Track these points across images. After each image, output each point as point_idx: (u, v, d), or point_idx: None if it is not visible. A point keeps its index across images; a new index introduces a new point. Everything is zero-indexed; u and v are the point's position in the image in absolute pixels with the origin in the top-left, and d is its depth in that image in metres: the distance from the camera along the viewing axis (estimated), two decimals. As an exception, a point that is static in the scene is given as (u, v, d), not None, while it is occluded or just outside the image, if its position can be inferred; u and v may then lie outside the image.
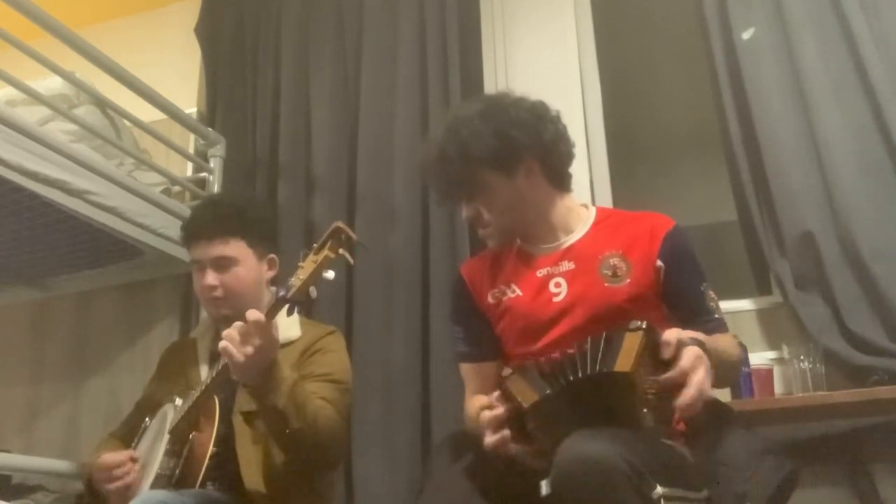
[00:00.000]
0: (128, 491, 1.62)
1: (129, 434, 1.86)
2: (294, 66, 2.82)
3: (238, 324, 1.47)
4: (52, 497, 2.37)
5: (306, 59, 2.82)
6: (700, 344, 1.23)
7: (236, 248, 1.81)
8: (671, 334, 1.23)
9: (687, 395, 1.16)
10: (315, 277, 1.39)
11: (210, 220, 1.83)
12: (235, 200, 1.97)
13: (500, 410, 1.25)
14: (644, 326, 1.21)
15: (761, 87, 2.30)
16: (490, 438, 1.25)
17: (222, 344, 1.47)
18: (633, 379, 1.17)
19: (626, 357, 1.18)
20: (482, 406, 1.31)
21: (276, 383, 1.50)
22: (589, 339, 1.25)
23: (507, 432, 1.24)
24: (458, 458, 1.43)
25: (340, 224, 1.40)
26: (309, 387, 1.62)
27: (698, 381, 1.17)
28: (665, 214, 1.57)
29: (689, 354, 1.20)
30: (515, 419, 1.24)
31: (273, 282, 1.90)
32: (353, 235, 1.40)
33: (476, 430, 1.45)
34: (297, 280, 1.41)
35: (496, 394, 1.29)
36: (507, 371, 1.29)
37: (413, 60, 2.66)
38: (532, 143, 1.51)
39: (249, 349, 1.45)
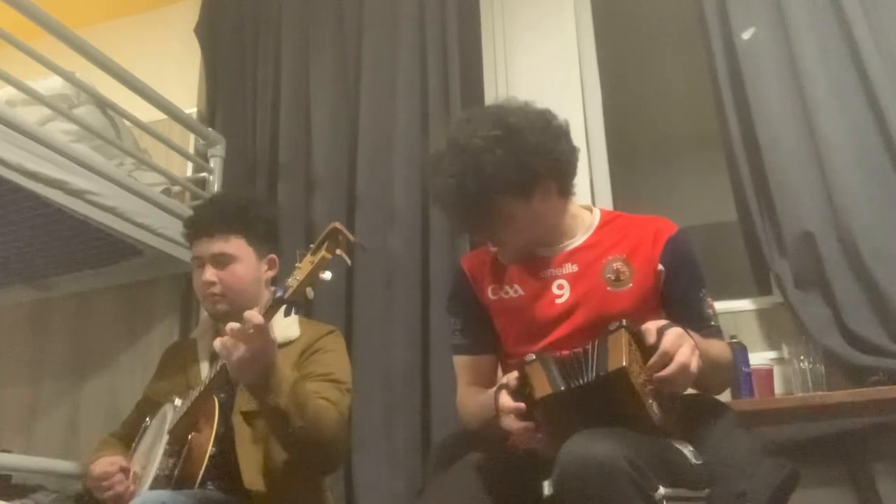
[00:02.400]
0: (120, 499, 1.63)
1: (129, 434, 1.87)
2: (294, 66, 2.82)
3: (232, 325, 1.46)
4: (52, 497, 2.37)
5: (306, 59, 2.82)
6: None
7: (236, 246, 1.81)
8: (650, 324, 1.27)
9: (668, 369, 1.21)
10: (312, 278, 1.39)
11: (212, 217, 1.84)
12: (238, 199, 1.97)
13: (522, 405, 1.26)
14: (624, 324, 1.26)
15: (761, 87, 2.30)
16: (510, 423, 1.27)
17: (217, 347, 1.46)
18: (629, 373, 1.19)
19: (616, 355, 1.21)
20: (500, 385, 1.31)
21: (276, 382, 1.50)
22: (582, 350, 1.28)
23: (530, 424, 1.26)
24: (458, 458, 1.42)
25: (338, 225, 1.40)
26: (309, 386, 1.62)
27: (680, 357, 1.21)
28: (665, 215, 1.58)
29: (671, 335, 1.24)
30: (526, 404, 1.26)
31: (273, 282, 1.90)
32: (351, 236, 1.40)
33: (473, 418, 1.45)
34: (293, 281, 1.40)
35: (514, 374, 1.30)
36: (529, 356, 1.30)
37: (413, 60, 2.66)
38: (551, 167, 1.48)
39: (246, 352, 1.44)
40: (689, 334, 1.26)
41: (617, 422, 1.19)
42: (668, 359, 1.21)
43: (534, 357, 1.29)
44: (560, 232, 1.56)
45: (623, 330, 1.24)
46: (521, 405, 1.26)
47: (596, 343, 1.26)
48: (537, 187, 1.48)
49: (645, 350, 1.25)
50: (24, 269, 2.66)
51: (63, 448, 2.72)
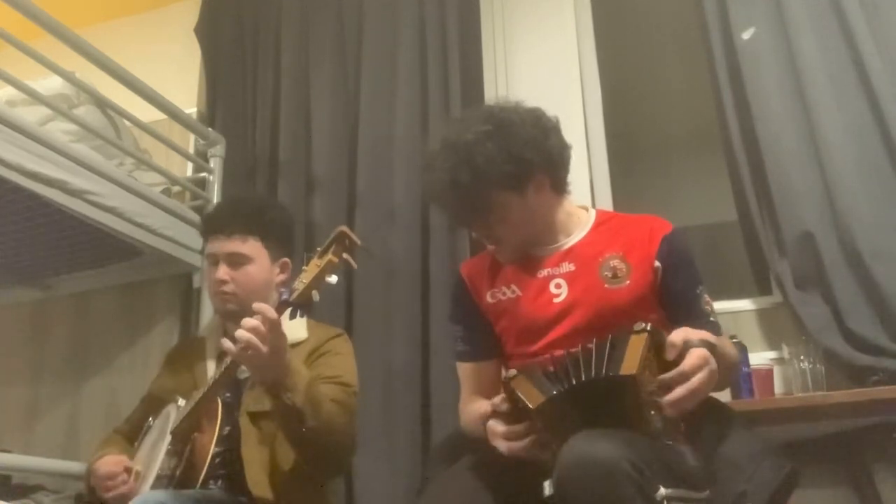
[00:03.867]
0: (122, 500, 1.62)
1: (133, 431, 1.87)
2: (294, 66, 2.82)
3: (249, 322, 1.45)
4: (52, 497, 2.37)
5: (306, 59, 2.82)
6: (710, 346, 1.24)
7: (252, 247, 1.82)
8: (678, 335, 1.25)
9: (675, 393, 1.19)
10: (318, 282, 1.39)
11: (230, 216, 1.85)
12: (258, 201, 2.00)
13: (518, 427, 1.25)
14: (648, 328, 1.22)
15: (761, 87, 2.30)
16: (504, 446, 1.26)
17: (227, 345, 1.45)
18: (638, 381, 1.17)
19: (631, 359, 1.19)
20: (487, 413, 1.31)
21: (293, 381, 1.50)
22: (594, 342, 1.26)
23: (525, 443, 1.25)
24: (457, 458, 1.43)
25: (345, 229, 1.40)
26: (323, 389, 1.62)
27: (694, 383, 1.20)
28: (665, 215, 1.58)
29: (694, 356, 1.21)
30: (520, 420, 1.25)
31: (283, 286, 1.89)
32: (358, 241, 1.40)
33: (476, 432, 1.45)
34: (300, 283, 1.41)
35: (500, 396, 1.29)
36: (511, 372, 1.29)
37: (413, 60, 2.66)
38: (542, 160, 1.50)
39: (264, 349, 1.43)
40: (712, 345, 1.25)
41: (616, 423, 1.19)
42: (683, 380, 1.20)
43: (515, 372, 1.29)
44: (556, 230, 1.57)
45: (646, 334, 1.22)
46: (513, 429, 1.25)
47: (611, 340, 1.25)
48: (530, 181, 1.49)
49: (663, 359, 1.23)
50: (24, 269, 2.66)
51: (63, 448, 2.72)
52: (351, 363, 1.80)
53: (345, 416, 1.63)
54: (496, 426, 1.28)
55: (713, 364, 1.23)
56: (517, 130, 1.48)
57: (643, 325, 1.23)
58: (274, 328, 1.44)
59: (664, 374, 1.20)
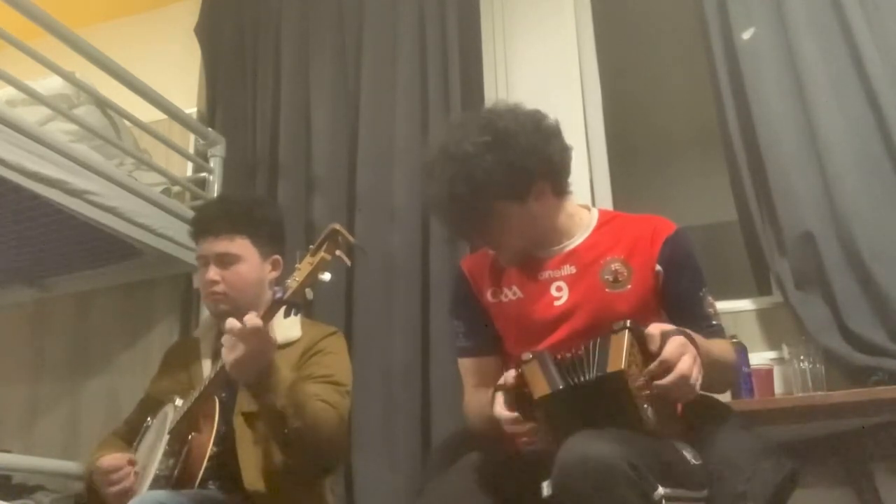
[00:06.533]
0: (126, 495, 1.62)
1: (131, 432, 1.87)
2: (294, 66, 2.82)
3: (233, 324, 1.47)
4: (52, 497, 2.37)
5: (306, 60, 2.82)
6: (686, 335, 1.25)
7: (241, 246, 1.81)
8: (654, 328, 1.26)
9: (667, 380, 1.20)
10: (311, 279, 1.39)
11: (218, 216, 1.84)
12: (245, 199, 1.99)
13: (516, 415, 1.27)
14: (628, 325, 1.24)
15: (761, 87, 2.30)
16: (510, 429, 1.27)
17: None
18: (626, 377, 1.19)
19: (616, 357, 1.21)
20: (497, 386, 1.32)
21: (274, 383, 1.50)
22: (582, 347, 1.28)
23: (529, 427, 1.26)
24: (458, 458, 1.43)
25: (337, 226, 1.40)
26: (309, 388, 1.62)
27: (681, 367, 1.20)
28: (665, 215, 1.57)
29: (673, 343, 1.23)
30: (523, 404, 1.27)
31: (276, 283, 1.90)
32: (350, 238, 1.40)
33: (479, 420, 1.46)
34: (293, 282, 1.41)
35: (511, 373, 1.31)
36: (526, 355, 1.30)
37: (413, 60, 2.66)
38: (543, 168, 1.48)
39: (243, 351, 1.45)
40: (691, 336, 1.26)
41: (613, 422, 1.19)
42: (668, 367, 1.20)
43: (531, 356, 1.29)
44: (558, 232, 1.56)
45: (626, 331, 1.23)
46: (516, 415, 1.26)
47: (598, 342, 1.26)
48: (531, 189, 1.48)
49: (647, 352, 1.24)
50: (24, 269, 2.66)
51: (63, 448, 2.72)
52: (344, 362, 1.80)
53: (334, 416, 1.62)
54: (502, 411, 1.29)
55: (693, 349, 1.23)
56: (517, 140, 1.45)
57: (622, 323, 1.25)
58: (256, 333, 1.45)
59: (649, 367, 1.22)
